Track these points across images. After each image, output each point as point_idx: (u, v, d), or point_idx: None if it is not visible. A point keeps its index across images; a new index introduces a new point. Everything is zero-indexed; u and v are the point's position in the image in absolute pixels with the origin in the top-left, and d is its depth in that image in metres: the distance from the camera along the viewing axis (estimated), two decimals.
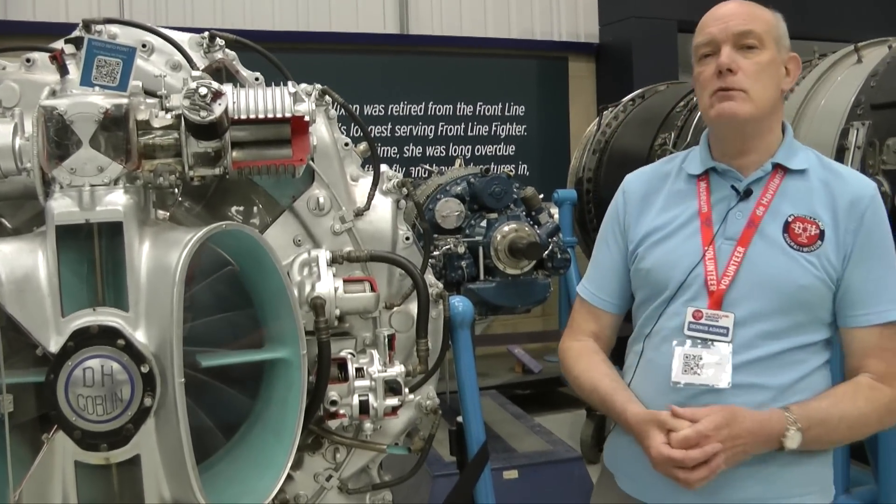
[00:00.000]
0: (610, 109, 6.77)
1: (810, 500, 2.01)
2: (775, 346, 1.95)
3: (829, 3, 10.13)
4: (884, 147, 3.66)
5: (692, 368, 1.95)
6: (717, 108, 1.99)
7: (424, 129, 10.59)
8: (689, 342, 1.97)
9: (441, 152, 10.55)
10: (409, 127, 10.53)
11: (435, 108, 10.50)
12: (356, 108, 10.49)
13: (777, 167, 2.05)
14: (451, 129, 10.50)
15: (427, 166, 7.64)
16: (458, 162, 6.99)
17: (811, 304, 1.97)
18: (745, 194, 2.03)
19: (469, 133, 10.55)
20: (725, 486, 1.92)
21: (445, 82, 10.24)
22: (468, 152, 10.30)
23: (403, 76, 10.26)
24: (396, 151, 10.45)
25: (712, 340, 1.96)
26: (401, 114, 10.51)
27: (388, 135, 10.43)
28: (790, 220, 1.99)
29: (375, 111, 10.35)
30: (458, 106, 10.48)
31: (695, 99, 5.52)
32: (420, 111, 10.56)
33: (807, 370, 1.98)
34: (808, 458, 1.97)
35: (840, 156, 3.91)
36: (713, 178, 2.09)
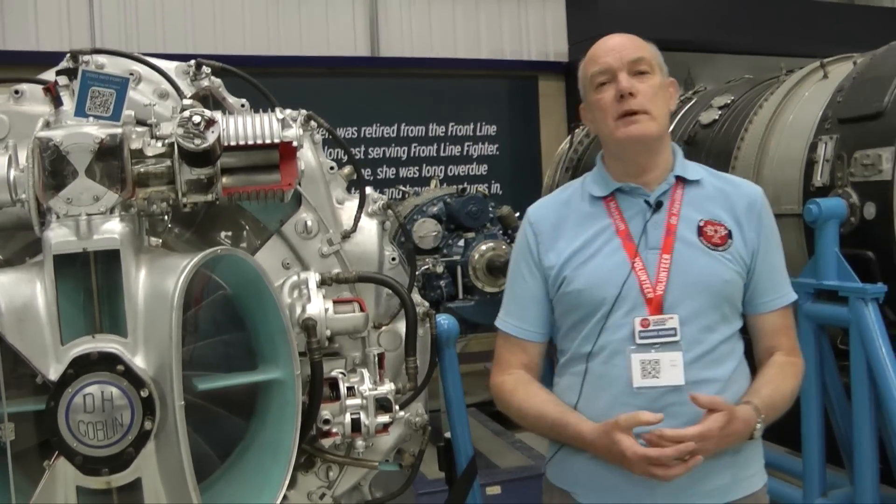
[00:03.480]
0: (581, 127, 6.84)
1: (752, 461, 2.20)
2: (713, 338, 2.12)
3: (795, 20, 10.32)
4: (851, 160, 3.75)
5: (650, 373, 2.08)
6: (624, 130, 2.14)
7: (397, 150, 10.65)
8: (642, 350, 2.09)
9: (415, 173, 10.61)
10: (381, 149, 10.58)
11: (407, 130, 10.57)
12: None
13: (678, 179, 2.23)
14: (423, 149, 10.58)
15: (402, 187, 7.70)
16: (433, 183, 7.06)
17: (733, 297, 2.17)
18: (657, 206, 2.19)
19: (442, 153, 10.62)
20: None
21: (417, 103, 10.32)
22: (441, 172, 10.37)
23: (375, 98, 10.32)
24: (370, 173, 10.49)
25: (663, 343, 2.09)
26: (373, 136, 10.57)
27: (362, 157, 10.46)
28: (701, 224, 2.18)
29: (348, 133, 10.39)
30: (431, 127, 10.56)
31: None
32: (392, 133, 10.62)
33: (737, 360, 2.17)
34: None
35: (809, 169, 4.01)
36: (620, 198, 2.23)
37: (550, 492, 2.31)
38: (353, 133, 10.36)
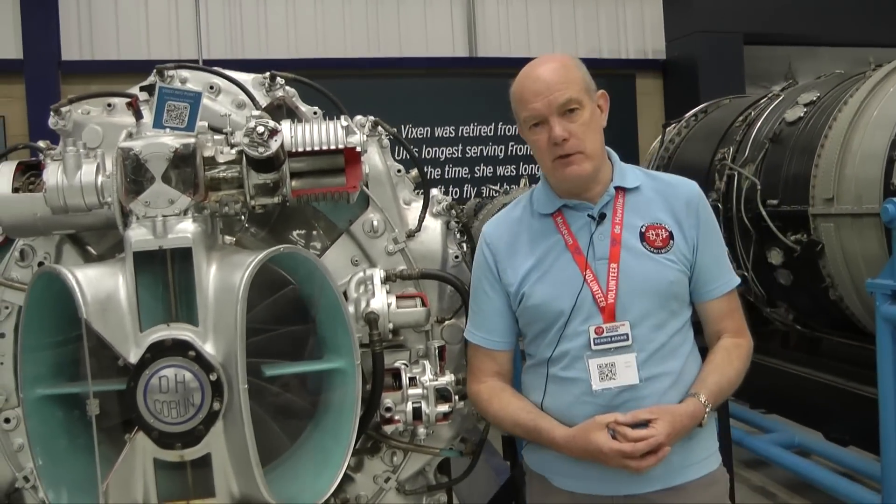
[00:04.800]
0: (673, 125, 6.83)
1: (706, 444, 2.34)
2: (664, 335, 2.28)
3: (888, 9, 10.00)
4: None
5: (607, 375, 2.22)
6: (562, 172, 2.28)
7: (494, 149, 10.78)
8: (598, 355, 2.24)
9: (511, 171, 10.72)
10: (479, 147, 10.73)
11: (504, 129, 10.68)
12: (427, 130, 10.80)
13: (618, 189, 2.34)
14: (520, 148, 10.67)
15: (493, 186, 7.83)
16: (522, 182, 7.18)
17: (679, 293, 2.31)
18: (601, 218, 2.31)
19: None
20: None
21: None
22: (538, 171, 10.46)
23: (473, 98, 10.47)
24: (468, 172, 10.65)
25: (617, 348, 2.24)
26: (471, 135, 10.72)
27: (459, 155, 10.64)
28: (643, 230, 2.30)
29: (446, 133, 10.58)
30: None
31: (753, 113, 5.60)
32: (490, 132, 10.75)
33: (687, 351, 2.33)
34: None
35: (890, 167, 3.97)
36: (566, 213, 2.36)
37: (530, 476, 2.46)
38: (450, 132, 10.54)
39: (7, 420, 2.48)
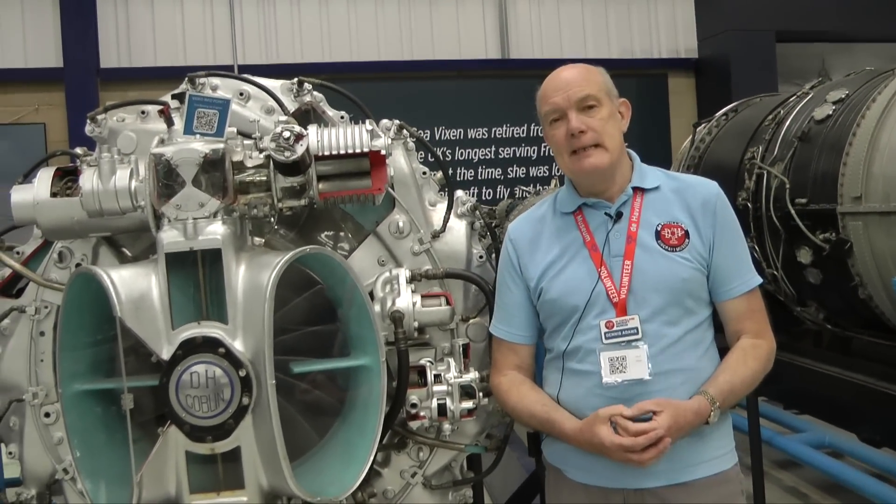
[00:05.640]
0: (703, 125, 6.84)
1: (720, 443, 2.37)
2: (677, 331, 2.32)
3: None
4: None
5: (618, 368, 2.28)
6: (580, 165, 2.35)
7: (527, 150, 10.82)
8: (609, 348, 2.29)
9: (544, 172, 10.75)
10: (512, 148, 10.77)
11: (537, 130, 10.70)
12: (459, 132, 10.86)
13: (636, 189, 2.41)
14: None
15: (525, 188, 7.87)
16: (553, 182, 7.21)
17: (694, 291, 2.35)
18: (618, 217, 2.38)
19: None
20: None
21: None
22: None
23: (506, 99, 10.51)
24: (500, 173, 10.70)
25: (628, 342, 2.29)
26: (504, 136, 10.76)
27: (492, 157, 10.69)
28: (659, 228, 2.36)
29: (479, 134, 10.63)
30: None
31: (782, 111, 5.60)
32: (522, 133, 10.78)
33: (705, 347, 2.37)
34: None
35: None
36: (586, 211, 2.43)
37: (548, 468, 2.54)
38: (483, 133, 10.59)
39: (47, 414, 2.58)
